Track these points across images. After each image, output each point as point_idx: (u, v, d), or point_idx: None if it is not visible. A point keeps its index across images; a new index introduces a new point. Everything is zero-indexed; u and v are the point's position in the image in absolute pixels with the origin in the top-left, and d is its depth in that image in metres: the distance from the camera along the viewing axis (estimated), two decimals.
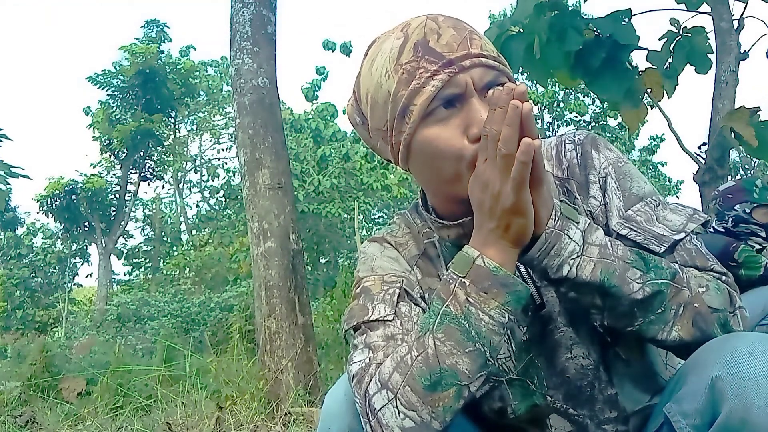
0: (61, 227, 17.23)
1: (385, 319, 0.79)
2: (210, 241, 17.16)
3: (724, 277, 0.81)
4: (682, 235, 0.80)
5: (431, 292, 0.84)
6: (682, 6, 3.84)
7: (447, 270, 0.75)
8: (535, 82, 4.21)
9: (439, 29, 0.77)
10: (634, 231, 0.81)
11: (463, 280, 0.72)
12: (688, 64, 3.71)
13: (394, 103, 0.77)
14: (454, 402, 0.69)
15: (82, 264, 18.73)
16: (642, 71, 3.77)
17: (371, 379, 0.73)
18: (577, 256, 0.73)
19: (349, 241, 15.24)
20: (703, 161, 3.69)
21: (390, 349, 0.75)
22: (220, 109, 20.42)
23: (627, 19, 3.55)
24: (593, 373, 0.81)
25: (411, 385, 0.70)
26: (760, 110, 3.43)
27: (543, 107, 17.29)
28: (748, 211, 2.81)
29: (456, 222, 0.83)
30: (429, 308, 0.74)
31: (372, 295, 0.82)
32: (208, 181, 20.55)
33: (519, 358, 0.81)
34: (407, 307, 0.81)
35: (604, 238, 0.76)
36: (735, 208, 2.83)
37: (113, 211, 17.52)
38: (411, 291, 0.83)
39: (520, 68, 3.78)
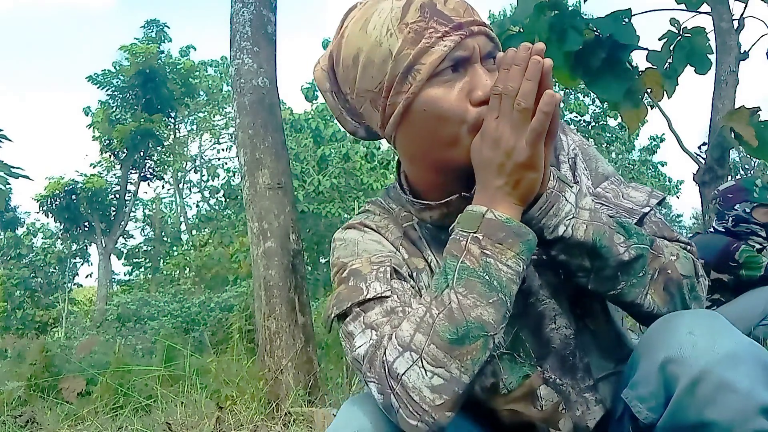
0: (61, 227, 17.25)
1: (383, 295, 0.77)
2: (210, 241, 17.17)
3: (689, 247, 0.86)
4: (648, 209, 0.85)
5: (418, 272, 0.85)
6: (682, 6, 3.84)
7: (453, 231, 0.75)
8: None
9: None
10: (606, 206, 0.85)
11: (475, 235, 0.73)
12: (688, 64, 3.71)
13: (395, 62, 0.75)
14: (482, 354, 0.70)
15: (82, 264, 18.76)
16: (642, 71, 3.76)
17: (386, 350, 0.72)
18: (572, 218, 0.75)
19: None
20: (703, 161, 3.69)
21: (396, 321, 0.75)
22: (220, 109, 20.42)
23: (627, 19, 3.55)
24: (574, 342, 0.83)
25: (436, 343, 0.69)
26: (760, 110, 3.43)
27: None
28: (748, 210, 2.81)
29: (442, 201, 0.83)
30: (441, 268, 0.74)
31: (363, 276, 0.80)
32: (208, 181, 20.56)
33: (506, 332, 0.82)
34: (399, 283, 0.80)
35: (593, 203, 0.78)
36: (735, 207, 2.83)
37: (113, 211, 17.53)
38: (400, 270, 0.82)
39: None
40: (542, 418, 0.81)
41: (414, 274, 0.84)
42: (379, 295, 0.77)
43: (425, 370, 0.69)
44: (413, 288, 0.82)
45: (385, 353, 0.72)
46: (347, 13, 0.83)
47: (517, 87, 0.70)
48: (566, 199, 0.76)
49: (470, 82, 0.76)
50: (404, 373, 0.69)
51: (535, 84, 0.70)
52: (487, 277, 0.71)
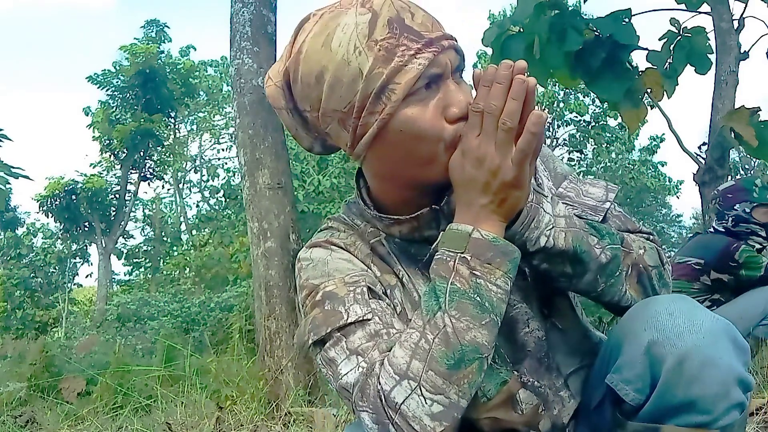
0: (61, 227, 17.24)
1: (365, 318, 0.76)
2: (210, 241, 17.14)
3: (652, 237, 0.89)
4: (609, 204, 0.88)
5: (391, 288, 0.83)
6: (682, 6, 3.84)
7: (438, 250, 0.75)
8: None
9: (409, 8, 0.75)
10: (571, 205, 0.86)
11: (462, 255, 0.72)
12: (688, 64, 3.70)
13: (367, 81, 0.72)
14: (478, 376, 0.70)
15: (82, 264, 18.74)
16: (642, 71, 3.76)
17: (378, 378, 0.70)
18: (552, 228, 0.76)
19: None
20: (703, 161, 3.69)
21: (383, 345, 0.73)
22: (220, 109, 20.42)
23: (627, 19, 3.55)
24: (547, 344, 0.84)
25: (434, 369, 0.69)
26: (760, 110, 3.43)
27: (543, 107, 17.27)
28: (748, 210, 2.81)
29: (412, 216, 0.81)
30: (430, 289, 0.73)
31: (341, 298, 0.78)
32: (208, 181, 20.55)
33: None
34: (377, 303, 0.79)
35: (566, 209, 0.79)
36: (735, 207, 2.83)
37: (113, 211, 17.52)
38: (374, 288, 0.81)
39: None
40: (524, 422, 0.81)
41: (388, 292, 0.83)
42: (360, 319, 0.76)
43: (425, 398, 0.68)
44: (389, 306, 0.80)
45: (379, 381, 0.70)
46: (300, 26, 0.78)
47: (500, 106, 0.70)
48: (544, 210, 0.76)
49: (443, 98, 0.74)
50: (403, 402, 0.69)
51: (521, 103, 0.69)
52: (478, 299, 0.71)
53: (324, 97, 0.75)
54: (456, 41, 0.76)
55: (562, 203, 0.82)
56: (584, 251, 0.77)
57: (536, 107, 0.71)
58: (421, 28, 0.73)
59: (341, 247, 0.85)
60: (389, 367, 0.70)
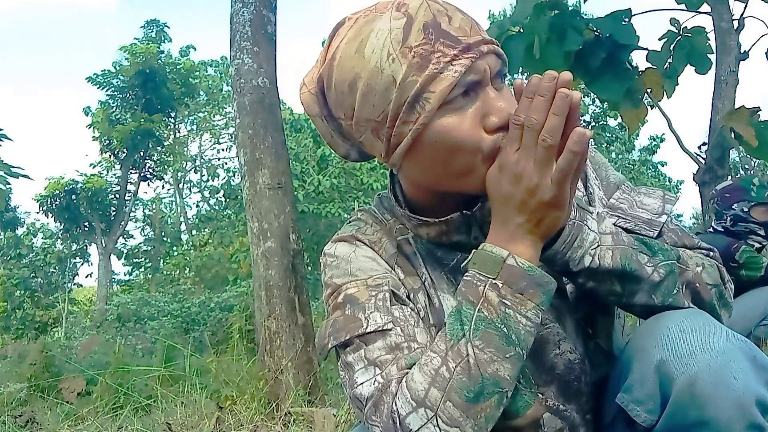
0: (61, 227, 17.26)
1: (384, 328, 0.73)
2: (210, 241, 17.17)
3: (711, 254, 0.84)
4: (665, 217, 0.82)
5: (414, 292, 0.80)
6: (682, 6, 3.84)
7: (468, 270, 0.71)
8: None
9: (447, 11, 0.71)
10: (623, 218, 0.82)
11: (494, 281, 0.69)
12: (688, 64, 3.71)
13: (401, 90, 0.68)
14: (496, 411, 0.68)
15: (82, 264, 18.76)
16: (642, 71, 3.76)
17: (395, 399, 0.68)
18: (597, 246, 0.72)
19: None
20: (703, 161, 3.69)
21: (402, 361, 0.71)
22: (220, 109, 20.44)
23: (627, 19, 3.55)
24: (580, 367, 0.80)
25: (452, 400, 0.66)
26: (760, 110, 3.43)
27: None
28: (746, 209, 2.81)
29: (441, 219, 0.78)
30: (455, 312, 0.70)
31: (361, 304, 0.75)
32: (208, 181, 20.58)
33: None
34: (400, 310, 0.76)
35: (612, 225, 0.76)
36: (733, 207, 2.84)
37: (113, 211, 17.55)
38: (398, 292, 0.78)
39: (520, 68, 3.78)
40: None
41: (411, 295, 0.80)
42: (380, 328, 0.73)
43: (440, 428, 0.66)
44: (413, 312, 0.78)
45: (394, 403, 0.68)
46: (335, 31, 0.75)
47: (541, 120, 0.66)
48: (589, 228, 0.73)
49: (482, 107, 0.70)
50: (417, 430, 0.67)
51: (563, 119, 0.65)
52: (505, 330, 0.68)
53: (357, 106, 0.72)
54: (497, 45, 0.72)
55: (611, 217, 0.79)
56: (634, 270, 0.72)
57: (579, 122, 0.66)
58: (458, 33, 0.69)
59: (366, 244, 0.82)
60: (407, 391, 0.68)
